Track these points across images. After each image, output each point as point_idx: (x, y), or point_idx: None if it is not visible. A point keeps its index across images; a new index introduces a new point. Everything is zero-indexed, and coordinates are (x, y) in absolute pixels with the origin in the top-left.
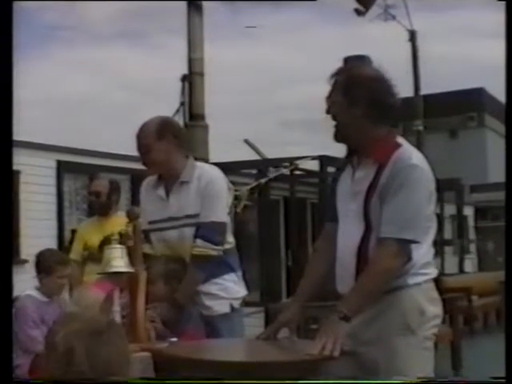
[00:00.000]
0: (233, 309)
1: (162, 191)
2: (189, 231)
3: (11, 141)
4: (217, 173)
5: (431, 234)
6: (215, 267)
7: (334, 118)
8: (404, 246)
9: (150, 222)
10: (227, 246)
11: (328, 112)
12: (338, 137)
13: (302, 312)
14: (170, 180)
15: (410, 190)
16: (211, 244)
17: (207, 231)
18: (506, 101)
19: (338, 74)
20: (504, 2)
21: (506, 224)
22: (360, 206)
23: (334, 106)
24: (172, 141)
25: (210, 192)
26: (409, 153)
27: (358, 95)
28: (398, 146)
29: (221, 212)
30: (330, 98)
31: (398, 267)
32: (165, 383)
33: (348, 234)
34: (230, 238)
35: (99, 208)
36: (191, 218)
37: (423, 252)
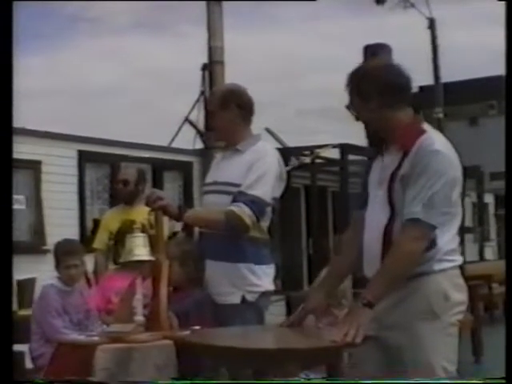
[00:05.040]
0: (244, 301)
1: (219, 156)
2: (227, 198)
3: (11, 132)
4: (272, 153)
5: (456, 221)
6: (239, 250)
7: (360, 120)
8: (425, 229)
9: (203, 185)
10: (259, 235)
11: (356, 119)
12: (370, 137)
13: (327, 299)
14: (228, 147)
15: (432, 175)
16: (250, 212)
17: (249, 201)
18: (506, 101)
19: (349, 81)
20: (504, 2)
21: (506, 224)
22: (385, 191)
23: (355, 110)
24: (235, 111)
25: (259, 167)
26: (432, 139)
27: (368, 89)
28: (423, 132)
29: (266, 190)
30: (350, 105)
31: (418, 250)
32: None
33: (374, 219)
34: (265, 227)
35: (126, 196)
36: (232, 186)
37: (448, 238)
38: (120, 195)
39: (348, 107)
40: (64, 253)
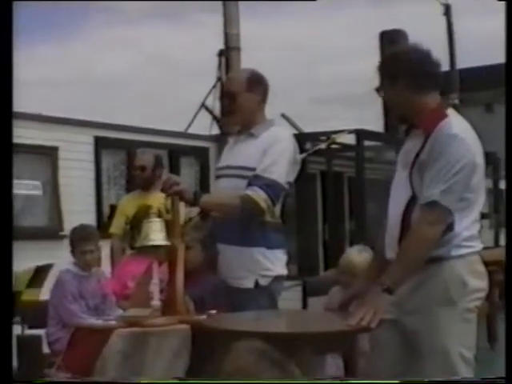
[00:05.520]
0: (257, 285)
1: (233, 140)
2: (241, 182)
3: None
4: (287, 137)
5: (476, 207)
6: (251, 234)
7: (387, 102)
8: (442, 213)
9: (216, 169)
10: (272, 219)
11: (385, 103)
12: (396, 119)
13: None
14: (242, 131)
15: (449, 159)
16: (265, 195)
17: (264, 185)
18: (506, 101)
19: (381, 63)
20: (504, 2)
21: (506, 224)
22: (407, 174)
23: (383, 93)
24: (259, 93)
25: (274, 151)
26: (453, 123)
27: (395, 71)
28: (445, 116)
29: (281, 173)
30: (378, 89)
31: (435, 234)
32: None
33: (395, 202)
34: (278, 211)
35: (143, 182)
36: (246, 170)
37: (466, 224)
38: (137, 181)
39: (377, 89)
40: (79, 238)
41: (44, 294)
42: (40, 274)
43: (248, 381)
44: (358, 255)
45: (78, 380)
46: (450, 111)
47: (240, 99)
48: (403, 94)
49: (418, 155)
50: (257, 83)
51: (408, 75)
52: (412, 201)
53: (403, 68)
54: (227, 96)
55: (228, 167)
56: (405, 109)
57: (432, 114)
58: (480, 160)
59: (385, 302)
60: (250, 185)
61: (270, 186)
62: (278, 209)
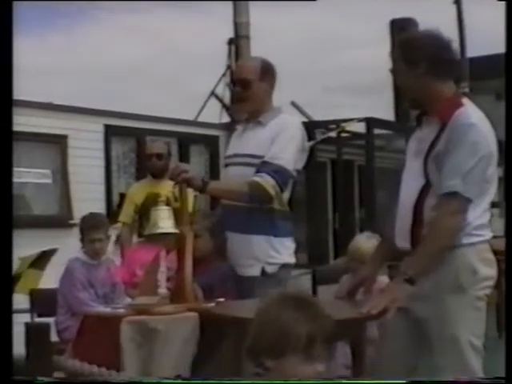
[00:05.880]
0: (264, 273)
1: (241, 128)
2: (249, 170)
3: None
4: (296, 124)
5: (488, 196)
6: (259, 222)
7: (401, 86)
8: (462, 203)
9: (225, 157)
10: (279, 207)
11: (396, 83)
12: (409, 103)
13: (379, 271)
14: (250, 119)
15: (469, 148)
16: (273, 182)
17: (272, 171)
18: (506, 101)
19: (395, 45)
20: (504, 2)
21: (505, 224)
22: (421, 162)
23: (398, 74)
24: (269, 83)
25: (283, 138)
26: (469, 112)
27: (416, 54)
28: (461, 105)
29: (289, 160)
30: (393, 69)
31: (458, 224)
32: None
33: (408, 189)
34: (285, 199)
35: (159, 170)
36: (255, 158)
37: (478, 213)
38: (153, 169)
39: (393, 71)
40: (89, 227)
41: (46, 281)
42: (44, 256)
43: (248, 381)
44: (366, 242)
45: (78, 380)
46: (466, 100)
47: (253, 87)
48: (422, 80)
49: (433, 144)
50: (268, 72)
51: (430, 61)
52: (425, 189)
53: (425, 53)
54: (239, 83)
55: (236, 155)
56: (421, 94)
57: (448, 103)
58: (495, 149)
59: (405, 293)
60: (258, 171)
61: (278, 172)
62: (286, 196)
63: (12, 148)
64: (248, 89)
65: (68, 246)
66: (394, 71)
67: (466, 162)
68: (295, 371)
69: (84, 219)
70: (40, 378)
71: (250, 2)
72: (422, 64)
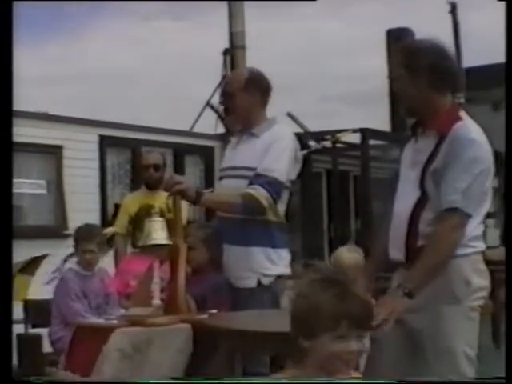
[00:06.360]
0: (260, 284)
1: (235, 140)
2: (244, 183)
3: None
4: (288, 135)
5: (484, 209)
6: (254, 234)
7: (399, 93)
8: (463, 218)
9: (220, 170)
10: (275, 218)
11: (392, 88)
12: (405, 111)
13: (371, 283)
14: (243, 131)
15: (469, 163)
16: (266, 194)
17: (265, 183)
18: (506, 101)
19: (396, 50)
20: (504, 2)
21: (505, 225)
22: (418, 175)
23: (397, 80)
24: (256, 94)
25: (275, 149)
26: (468, 127)
27: (420, 64)
28: (459, 119)
29: (282, 171)
30: (392, 74)
31: (458, 239)
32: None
33: (403, 201)
34: (281, 210)
35: (155, 181)
36: (249, 171)
37: (473, 226)
38: (150, 180)
39: (391, 77)
40: (81, 238)
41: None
42: (34, 262)
43: (248, 381)
44: (347, 254)
45: (78, 380)
46: (463, 113)
47: (236, 99)
48: (422, 90)
49: (431, 157)
50: (254, 83)
51: (432, 73)
52: (421, 201)
53: (429, 64)
54: (225, 96)
55: (231, 168)
56: (419, 104)
57: (447, 116)
58: (492, 163)
59: (403, 306)
60: (251, 183)
61: (271, 184)
62: (282, 208)
63: (12, 158)
64: (232, 101)
65: (63, 256)
66: (393, 77)
67: (466, 177)
68: (329, 350)
69: (78, 230)
70: (38, 378)
71: (246, 12)
72: (424, 74)
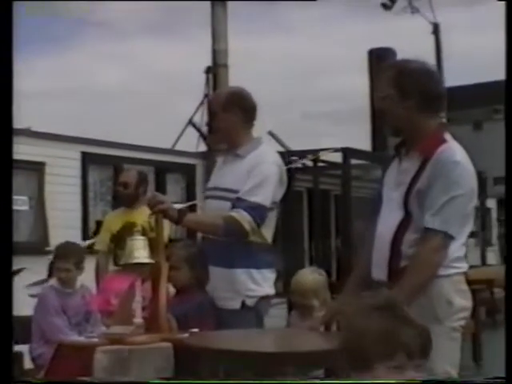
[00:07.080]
0: (244, 306)
1: (221, 160)
2: (227, 205)
3: (11, 133)
4: (273, 157)
5: (467, 230)
6: (238, 255)
7: (386, 112)
8: (445, 240)
9: (205, 189)
10: (260, 240)
11: (379, 107)
12: (390, 130)
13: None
14: (229, 151)
15: (452, 186)
16: (249, 218)
17: (248, 207)
18: (506, 101)
19: (386, 69)
20: (504, 2)
21: (506, 225)
22: (401, 196)
23: (385, 100)
24: (238, 114)
25: (259, 172)
26: (453, 149)
27: (410, 87)
28: (444, 141)
29: (266, 195)
30: (380, 92)
31: (439, 261)
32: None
33: (386, 221)
34: (268, 234)
35: (126, 199)
36: (232, 193)
37: (456, 247)
38: (120, 198)
39: (377, 96)
40: (58, 256)
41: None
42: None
43: (248, 381)
44: (307, 276)
45: (78, 380)
46: (448, 136)
47: (218, 119)
48: (410, 112)
49: (415, 178)
50: (236, 103)
51: (422, 97)
52: (404, 222)
53: (419, 88)
54: (209, 115)
55: (215, 188)
56: (405, 125)
57: (431, 139)
58: (475, 184)
59: None
60: (234, 206)
61: (255, 209)
62: (269, 229)
63: (12, 175)
64: (215, 121)
65: (44, 274)
66: (381, 96)
67: (450, 199)
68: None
69: (57, 248)
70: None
71: (229, 30)
72: (414, 97)
